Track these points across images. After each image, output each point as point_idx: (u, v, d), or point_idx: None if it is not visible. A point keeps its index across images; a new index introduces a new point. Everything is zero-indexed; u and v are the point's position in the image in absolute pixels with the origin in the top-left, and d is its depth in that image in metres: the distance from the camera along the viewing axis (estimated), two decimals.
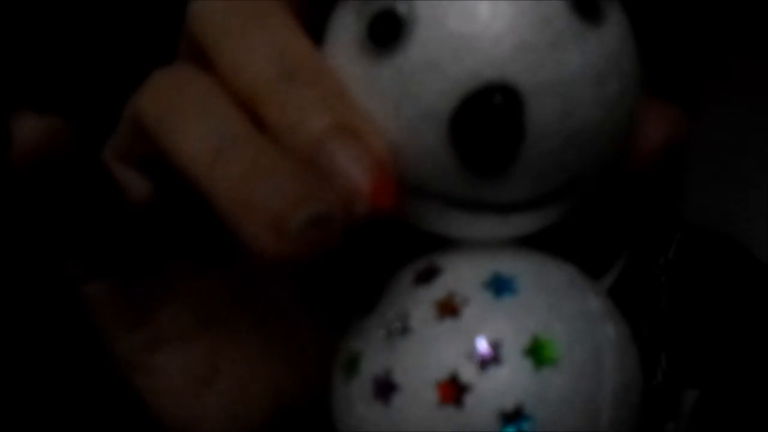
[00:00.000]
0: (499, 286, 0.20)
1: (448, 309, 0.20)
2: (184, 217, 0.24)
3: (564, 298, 0.20)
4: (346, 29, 0.20)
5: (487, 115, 0.18)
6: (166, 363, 0.24)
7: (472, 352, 0.19)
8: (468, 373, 0.19)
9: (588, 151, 0.20)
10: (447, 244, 0.21)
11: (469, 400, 0.19)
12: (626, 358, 0.21)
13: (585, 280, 0.22)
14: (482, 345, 0.19)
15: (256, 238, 0.18)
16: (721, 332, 0.52)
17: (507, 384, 0.19)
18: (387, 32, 0.19)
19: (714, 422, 0.51)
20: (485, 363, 0.19)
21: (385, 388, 0.20)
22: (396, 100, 0.19)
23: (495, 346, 0.19)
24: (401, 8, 0.19)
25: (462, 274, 0.21)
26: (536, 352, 0.19)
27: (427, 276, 0.21)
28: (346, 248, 0.24)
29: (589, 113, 0.19)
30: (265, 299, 0.25)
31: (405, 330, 0.20)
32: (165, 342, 0.24)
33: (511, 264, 0.21)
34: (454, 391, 0.19)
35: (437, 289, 0.20)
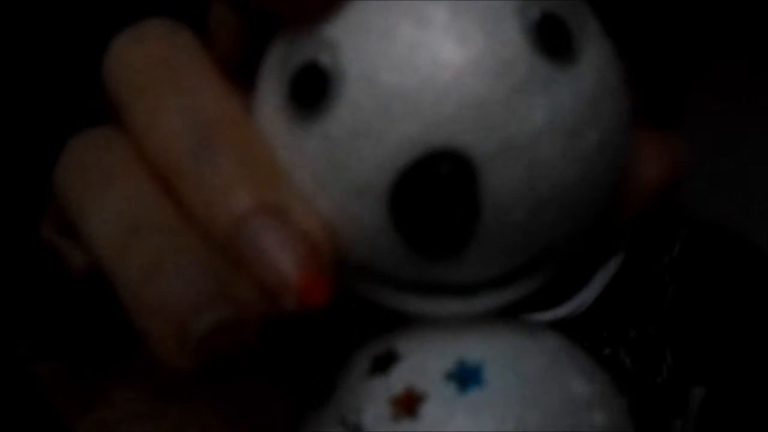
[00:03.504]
0: (464, 376, 0.16)
1: (405, 408, 0.16)
2: None
3: (541, 387, 0.16)
4: (271, 84, 0.16)
5: (432, 190, 0.14)
6: None
7: None
8: None
9: (563, 218, 0.15)
10: (408, 318, 0.18)
11: None
12: None
13: (571, 357, 0.17)
14: None
15: (156, 343, 0.15)
16: (728, 329, 0.50)
17: None
18: (311, 90, 0.15)
19: (722, 419, 0.50)
20: None
21: None
22: (326, 173, 0.15)
23: None
24: (324, 60, 0.15)
25: (422, 362, 0.17)
26: None
27: (385, 363, 0.17)
28: (300, 326, 0.20)
29: (562, 174, 0.15)
30: (230, 375, 0.22)
31: (357, 430, 0.16)
32: (123, 422, 0.21)
33: (478, 348, 0.17)
34: None
35: (394, 382, 0.17)
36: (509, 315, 0.17)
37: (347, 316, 0.19)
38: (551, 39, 0.15)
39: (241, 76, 0.17)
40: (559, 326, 0.19)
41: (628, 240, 0.50)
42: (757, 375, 0.50)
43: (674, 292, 0.50)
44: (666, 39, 0.40)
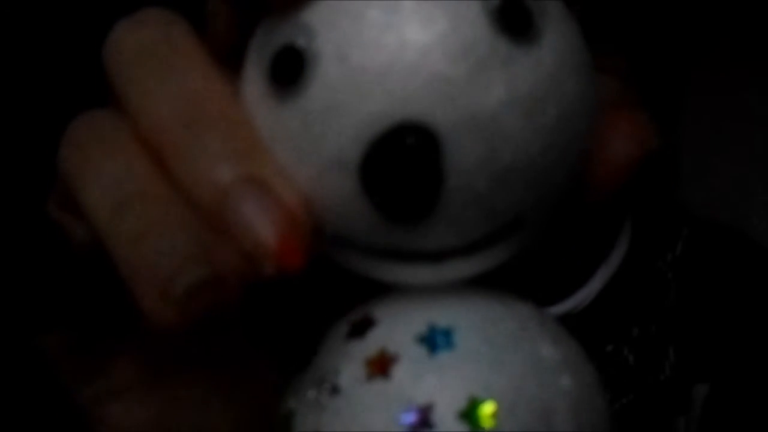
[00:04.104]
0: (435, 340, 0.17)
1: (378, 368, 0.17)
2: None
3: (509, 351, 0.17)
4: (254, 66, 0.17)
5: (399, 160, 0.15)
6: (125, 414, 0.22)
7: (400, 418, 0.16)
8: None
9: (526, 188, 0.16)
10: (386, 286, 0.19)
11: None
12: (585, 411, 0.18)
13: (541, 324, 0.18)
14: (410, 412, 0.16)
15: (144, 303, 0.16)
16: (731, 327, 0.50)
17: None
18: (289, 70, 0.16)
19: (725, 417, 0.49)
20: (414, 431, 0.16)
21: None
22: (303, 147, 0.16)
23: (425, 411, 0.16)
24: (300, 42, 0.16)
25: (396, 327, 0.18)
26: (472, 415, 0.16)
27: (361, 328, 0.18)
28: (283, 293, 0.21)
29: (522, 147, 0.16)
30: (224, 349, 0.23)
31: (334, 390, 0.17)
32: (120, 393, 0.22)
33: (449, 313, 0.18)
34: None
35: (369, 344, 0.18)
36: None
37: (328, 288, 0.20)
38: (512, 21, 0.16)
39: (233, 61, 0.19)
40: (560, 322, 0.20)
41: (629, 237, 0.50)
42: (761, 372, 0.49)
43: (677, 289, 0.50)
44: (666, 36, 0.40)
